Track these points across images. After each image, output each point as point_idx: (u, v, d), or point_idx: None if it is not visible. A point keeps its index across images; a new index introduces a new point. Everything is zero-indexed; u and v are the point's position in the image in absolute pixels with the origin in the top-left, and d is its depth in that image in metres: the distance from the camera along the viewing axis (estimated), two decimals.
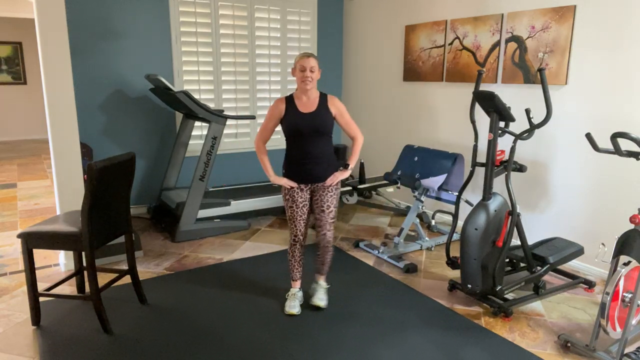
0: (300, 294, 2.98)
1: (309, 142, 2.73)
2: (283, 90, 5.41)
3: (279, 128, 5.49)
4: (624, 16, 3.10)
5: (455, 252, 3.92)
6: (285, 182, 2.79)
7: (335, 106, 2.78)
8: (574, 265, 3.56)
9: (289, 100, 2.76)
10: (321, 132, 2.73)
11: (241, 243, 4.05)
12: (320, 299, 2.91)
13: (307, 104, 2.74)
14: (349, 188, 4.22)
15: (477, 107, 4.11)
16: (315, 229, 2.88)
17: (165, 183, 4.61)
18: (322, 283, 2.98)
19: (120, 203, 2.72)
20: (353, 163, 2.86)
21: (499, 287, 2.85)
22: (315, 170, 2.76)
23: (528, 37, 3.66)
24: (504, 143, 3.95)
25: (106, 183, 2.51)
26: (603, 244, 3.36)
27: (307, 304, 2.96)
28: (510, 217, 2.85)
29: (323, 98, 2.77)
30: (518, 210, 2.88)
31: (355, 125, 2.87)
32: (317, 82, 4.93)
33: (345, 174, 2.84)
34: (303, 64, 2.66)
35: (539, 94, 3.68)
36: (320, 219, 2.84)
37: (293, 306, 2.87)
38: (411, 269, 3.47)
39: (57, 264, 3.56)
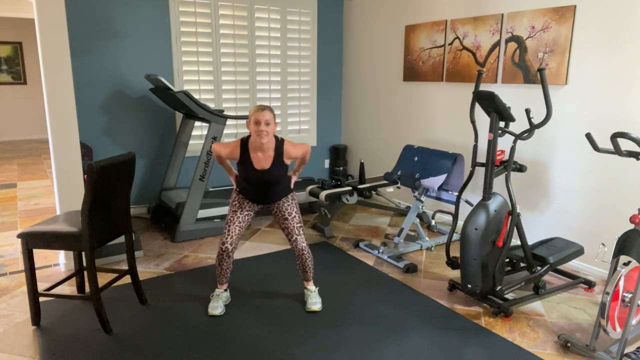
0: (225, 294, 2.94)
1: (263, 186, 2.78)
2: (283, 90, 5.41)
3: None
4: (624, 16, 3.10)
5: (455, 252, 3.92)
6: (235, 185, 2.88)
7: (290, 157, 2.77)
8: (574, 265, 3.56)
9: (244, 148, 2.72)
10: (276, 182, 2.77)
11: (241, 243, 4.05)
12: (313, 303, 2.89)
13: (262, 159, 2.71)
14: (349, 188, 4.22)
15: (477, 107, 4.11)
16: (286, 237, 2.88)
17: (165, 183, 4.61)
18: (310, 287, 2.97)
19: (120, 203, 2.72)
20: (296, 176, 2.96)
21: (499, 287, 2.85)
22: (269, 196, 2.81)
23: (528, 37, 3.66)
24: (504, 143, 3.95)
25: (106, 183, 2.51)
26: (603, 244, 3.36)
27: (303, 307, 2.96)
28: (510, 217, 2.85)
29: (278, 150, 2.72)
30: (518, 210, 2.88)
31: (305, 149, 2.84)
32: (316, 86, 4.93)
33: (294, 179, 2.93)
34: (258, 118, 2.59)
35: (539, 94, 3.68)
36: (286, 227, 2.84)
37: (215, 307, 2.83)
38: (411, 269, 3.47)
39: (57, 264, 3.56)
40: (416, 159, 4.01)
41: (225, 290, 2.94)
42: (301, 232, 2.84)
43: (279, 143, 2.74)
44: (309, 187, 4.78)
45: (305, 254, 2.86)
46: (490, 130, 2.86)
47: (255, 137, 2.63)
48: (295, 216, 2.84)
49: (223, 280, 2.90)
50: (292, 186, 2.92)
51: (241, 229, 2.81)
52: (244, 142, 2.73)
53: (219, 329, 2.68)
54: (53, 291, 3.09)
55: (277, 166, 2.73)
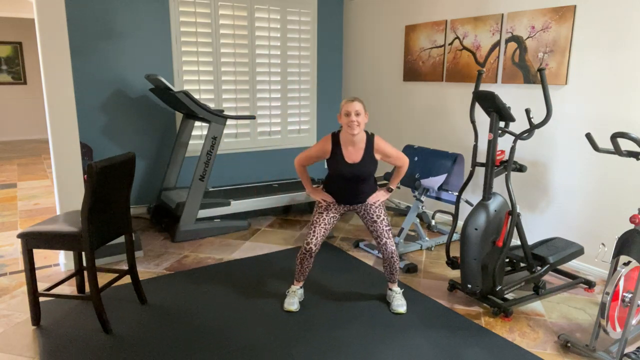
0: (300, 291, 2.98)
1: (352, 182, 2.78)
2: (283, 90, 5.40)
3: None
4: (624, 16, 3.10)
5: (455, 252, 3.92)
6: (323, 197, 2.83)
7: (380, 152, 2.77)
8: (574, 265, 3.56)
9: (335, 142, 2.75)
10: (366, 178, 2.77)
11: (241, 243, 4.05)
12: (399, 305, 2.88)
13: (353, 153, 2.74)
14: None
15: (477, 107, 4.11)
16: (374, 240, 2.89)
17: (165, 183, 4.61)
18: (395, 289, 2.96)
19: (120, 203, 2.72)
20: (394, 186, 2.90)
21: (499, 287, 2.85)
22: (356, 196, 2.82)
23: (528, 37, 3.66)
24: (504, 143, 3.95)
25: (106, 183, 2.51)
26: (603, 244, 3.36)
27: (310, 302, 2.97)
28: (510, 217, 2.85)
29: (369, 144, 2.75)
30: (518, 210, 2.88)
31: (399, 155, 2.85)
32: (316, 86, 4.92)
33: (387, 196, 2.89)
34: (348, 109, 2.62)
35: (539, 94, 3.68)
36: (375, 229, 2.84)
37: (292, 303, 2.88)
38: (411, 269, 3.47)
39: (57, 264, 3.56)
40: (416, 159, 4.01)
41: (301, 287, 2.99)
42: (390, 235, 2.84)
43: (370, 137, 2.77)
44: None
45: (395, 257, 2.86)
46: (490, 130, 2.86)
47: (347, 129, 2.65)
48: (384, 219, 2.84)
49: (301, 278, 2.94)
50: (377, 188, 2.91)
51: (326, 231, 2.83)
52: (335, 136, 2.77)
53: (219, 328, 2.68)
54: (53, 291, 3.09)
55: (368, 160, 2.75)
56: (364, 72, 5.47)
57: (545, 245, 3.21)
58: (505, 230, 2.87)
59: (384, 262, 2.92)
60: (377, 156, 2.77)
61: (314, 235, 2.81)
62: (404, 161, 2.87)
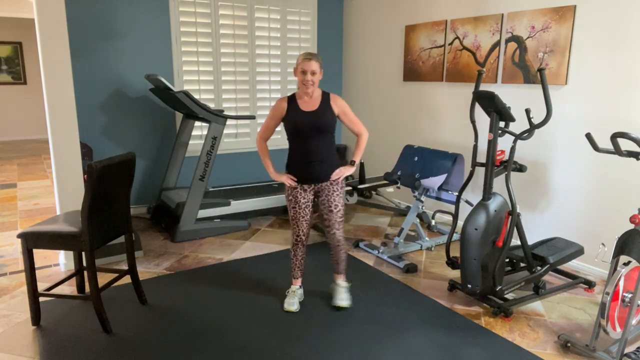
0: (300, 291, 2.99)
1: (311, 141, 2.72)
2: (283, 90, 5.41)
3: (280, 128, 5.49)
4: (623, 16, 3.10)
5: (455, 252, 3.92)
6: (286, 179, 2.79)
7: (338, 105, 2.77)
8: (574, 265, 3.56)
9: (291, 99, 2.76)
10: (323, 131, 2.72)
11: (241, 243, 4.05)
12: (342, 299, 2.91)
13: (309, 102, 2.73)
14: (349, 188, 4.22)
15: (477, 107, 4.11)
16: (324, 229, 2.88)
17: (165, 183, 4.61)
18: (341, 282, 2.97)
19: (120, 203, 2.72)
20: (358, 159, 2.86)
21: (499, 287, 2.85)
22: (318, 170, 2.76)
23: (528, 37, 3.66)
24: (504, 143, 3.95)
25: (106, 183, 2.51)
26: (603, 244, 3.36)
27: (310, 302, 2.97)
28: (510, 217, 2.85)
29: (325, 97, 2.76)
30: (518, 210, 2.88)
31: (359, 122, 2.88)
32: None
33: (351, 170, 2.84)
34: (304, 67, 2.64)
35: (539, 94, 3.68)
36: (329, 219, 2.84)
37: (292, 303, 2.88)
38: (411, 269, 3.47)
39: (57, 264, 3.56)
40: (416, 159, 4.01)
41: (300, 286, 2.99)
42: (341, 225, 2.86)
43: (325, 94, 2.78)
44: None
45: (341, 246, 2.89)
46: (490, 130, 2.86)
47: (301, 86, 2.67)
48: (340, 209, 2.84)
49: (298, 273, 2.96)
50: (338, 161, 2.87)
51: (307, 221, 2.85)
52: (290, 95, 2.78)
53: (219, 328, 2.68)
54: (53, 291, 3.09)
55: (325, 108, 2.73)
56: (364, 72, 5.47)
57: (545, 245, 3.21)
58: (505, 230, 2.87)
59: (330, 250, 2.92)
60: (335, 109, 2.76)
61: (299, 228, 2.83)
62: (363, 128, 2.87)
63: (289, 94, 2.80)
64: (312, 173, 2.77)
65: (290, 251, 2.94)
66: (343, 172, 2.81)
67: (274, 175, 2.83)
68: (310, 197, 2.85)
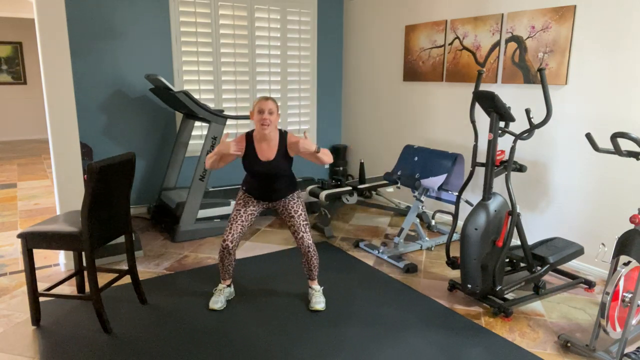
0: (228, 290, 2.98)
1: (268, 180, 2.80)
2: (283, 90, 5.41)
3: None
4: (624, 16, 3.10)
5: (455, 252, 3.92)
6: (230, 143, 2.64)
7: (293, 148, 2.77)
8: (574, 265, 3.56)
9: (249, 141, 2.78)
10: (281, 175, 2.79)
11: (241, 243, 4.05)
12: (317, 302, 2.91)
13: (267, 150, 2.76)
14: (349, 188, 4.22)
15: (477, 107, 4.11)
16: (292, 235, 2.88)
17: (165, 183, 4.61)
18: (315, 287, 2.98)
19: (120, 203, 2.72)
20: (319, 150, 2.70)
21: (499, 287, 2.85)
22: (274, 194, 2.84)
23: (528, 37, 3.66)
24: (504, 143, 3.95)
25: (106, 183, 2.51)
26: (603, 244, 3.36)
27: (307, 306, 2.97)
28: (510, 217, 2.85)
29: (282, 141, 2.76)
30: (518, 210, 2.88)
31: (304, 140, 2.70)
32: (316, 86, 4.90)
33: (313, 146, 2.64)
34: (261, 107, 2.65)
35: (539, 94, 3.68)
36: (292, 224, 2.85)
37: (216, 301, 2.88)
38: (411, 269, 3.47)
39: (57, 264, 3.56)
40: (416, 159, 4.01)
41: (229, 285, 2.98)
42: (307, 229, 2.85)
43: (282, 135, 2.79)
44: (309, 187, 4.77)
45: (311, 252, 2.86)
46: (490, 130, 2.86)
47: (259, 127, 2.68)
48: (301, 214, 2.85)
49: (226, 276, 2.95)
50: (296, 185, 2.93)
51: (243, 227, 2.83)
52: (249, 135, 2.79)
53: (219, 328, 2.68)
54: (53, 291, 3.09)
55: (282, 157, 2.77)
56: (364, 72, 5.47)
57: (545, 245, 3.21)
58: (505, 230, 2.87)
59: (302, 257, 2.91)
60: (291, 153, 2.79)
61: (230, 232, 2.81)
62: (326, 155, 2.71)
63: (247, 132, 2.79)
64: (268, 196, 2.85)
65: (218, 257, 2.90)
66: (307, 143, 2.62)
67: (221, 146, 2.66)
68: (259, 210, 2.89)
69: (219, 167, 2.82)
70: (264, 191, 2.84)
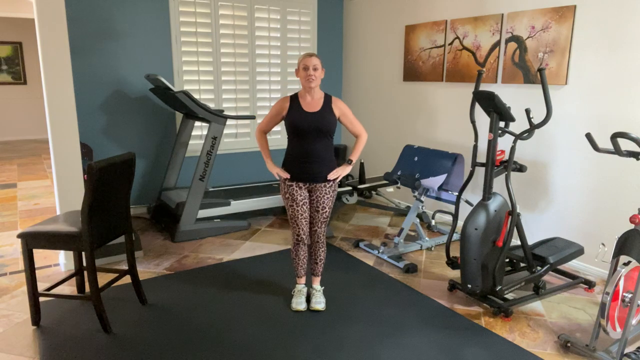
0: (305, 289, 3.00)
1: (311, 141, 2.74)
2: (283, 90, 5.41)
3: (281, 128, 5.50)
4: (624, 16, 3.10)
5: (455, 252, 3.92)
6: (279, 171, 2.80)
7: (339, 108, 2.80)
8: (574, 265, 3.56)
9: (294, 98, 2.78)
10: (323, 132, 2.74)
11: (241, 243, 4.05)
12: (318, 302, 2.91)
13: (311, 103, 2.75)
14: (349, 188, 4.22)
15: (477, 107, 4.11)
16: (309, 224, 2.89)
17: (165, 183, 4.61)
18: (316, 286, 2.99)
19: (120, 203, 2.72)
20: (355, 158, 2.85)
21: (499, 287, 2.85)
22: (314, 169, 2.77)
23: (528, 37, 3.66)
24: (504, 143, 3.95)
25: (106, 183, 2.51)
26: (603, 244, 3.36)
27: (307, 306, 2.96)
28: (510, 217, 2.85)
29: (327, 99, 2.78)
30: (518, 210, 2.87)
31: (359, 124, 2.88)
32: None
33: (347, 169, 2.84)
34: (306, 63, 2.68)
35: (539, 94, 3.68)
36: (313, 217, 2.87)
37: (300, 302, 2.90)
38: (411, 269, 3.47)
39: (57, 264, 3.56)
40: (416, 159, 4.01)
41: (305, 285, 3.01)
42: (324, 225, 2.88)
43: (328, 95, 2.80)
44: None
45: (320, 244, 2.89)
46: (490, 130, 2.86)
47: (304, 82, 2.70)
48: (327, 211, 2.86)
49: (301, 272, 2.97)
50: (335, 161, 2.87)
51: (306, 219, 2.85)
52: (293, 95, 2.80)
53: (219, 329, 2.68)
54: (53, 291, 3.09)
55: (327, 111, 2.75)
56: (364, 72, 5.47)
57: (545, 245, 3.21)
58: (505, 230, 2.87)
59: (310, 247, 2.93)
60: (336, 111, 2.78)
61: (299, 227, 2.83)
62: (362, 130, 2.88)
63: (291, 94, 2.81)
64: (307, 171, 2.78)
65: (291, 251, 2.95)
66: (340, 172, 2.82)
67: (270, 165, 2.85)
68: (306, 194, 2.85)
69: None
70: (305, 162, 2.75)
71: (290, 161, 2.81)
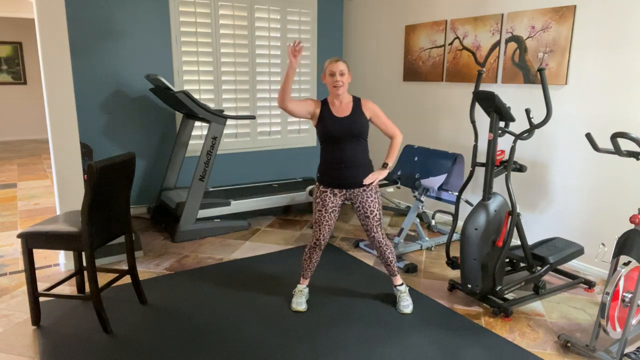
0: (306, 290, 2.99)
1: (345, 146, 2.72)
2: None
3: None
4: (624, 16, 3.10)
5: (455, 252, 3.92)
6: (290, 53, 2.58)
7: (369, 109, 2.77)
8: (574, 265, 3.56)
9: (324, 103, 2.75)
10: (356, 136, 2.71)
11: (241, 243, 4.05)
12: (405, 306, 2.88)
13: (341, 108, 2.73)
14: None
15: (477, 107, 4.11)
16: (365, 232, 2.87)
17: (165, 183, 4.61)
18: (400, 288, 2.94)
19: (120, 203, 2.72)
20: (391, 161, 2.81)
21: (499, 287, 2.85)
22: (350, 175, 2.74)
23: (528, 37, 3.66)
24: (504, 143, 3.95)
25: (106, 183, 2.51)
26: (603, 244, 3.36)
27: (310, 302, 2.96)
28: (510, 217, 2.85)
29: (357, 102, 2.76)
30: (518, 210, 2.88)
31: (392, 124, 2.85)
32: (316, 85, 4.88)
33: (383, 174, 2.79)
34: (332, 69, 2.64)
35: (539, 94, 3.68)
36: (366, 224, 2.83)
37: (300, 303, 2.89)
38: (411, 269, 3.47)
39: (57, 264, 3.56)
40: (416, 159, 4.01)
41: (307, 286, 3.01)
42: (379, 229, 2.85)
43: (357, 97, 2.78)
44: (309, 187, 4.77)
45: (383, 247, 2.87)
46: (490, 130, 2.86)
47: (332, 88, 2.67)
48: (376, 214, 2.82)
49: (307, 274, 2.97)
50: (371, 164, 2.84)
51: (330, 227, 2.84)
52: (323, 100, 2.77)
53: (219, 328, 2.68)
54: (53, 291, 3.09)
55: (358, 113, 2.72)
56: (364, 72, 5.47)
57: (545, 245, 3.21)
58: (505, 230, 2.87)
59: (377, 254, 2.94)
60: (367, 113, 2.75)
61: (320, 232, 2.82)
62: (396, 130, 2.85)
63: (321, 99, 2.78)
64: (344, 178, 2.75)
65: (305, 252, 2.94)
66: (376, 176, 2.77)
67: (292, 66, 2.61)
68: (339, 202, 2.83)
69: (289, 94, 2.61)
70: (340, 168, 2.72)
71: (325, 168, 2.78)
